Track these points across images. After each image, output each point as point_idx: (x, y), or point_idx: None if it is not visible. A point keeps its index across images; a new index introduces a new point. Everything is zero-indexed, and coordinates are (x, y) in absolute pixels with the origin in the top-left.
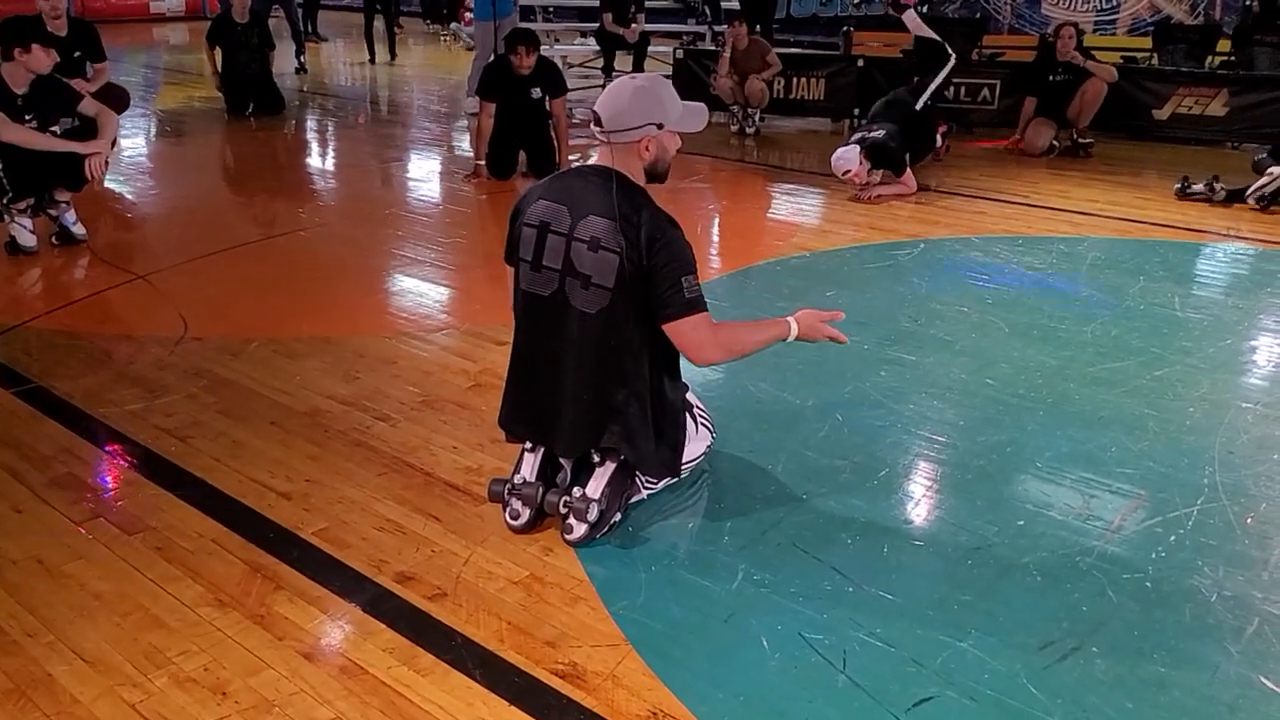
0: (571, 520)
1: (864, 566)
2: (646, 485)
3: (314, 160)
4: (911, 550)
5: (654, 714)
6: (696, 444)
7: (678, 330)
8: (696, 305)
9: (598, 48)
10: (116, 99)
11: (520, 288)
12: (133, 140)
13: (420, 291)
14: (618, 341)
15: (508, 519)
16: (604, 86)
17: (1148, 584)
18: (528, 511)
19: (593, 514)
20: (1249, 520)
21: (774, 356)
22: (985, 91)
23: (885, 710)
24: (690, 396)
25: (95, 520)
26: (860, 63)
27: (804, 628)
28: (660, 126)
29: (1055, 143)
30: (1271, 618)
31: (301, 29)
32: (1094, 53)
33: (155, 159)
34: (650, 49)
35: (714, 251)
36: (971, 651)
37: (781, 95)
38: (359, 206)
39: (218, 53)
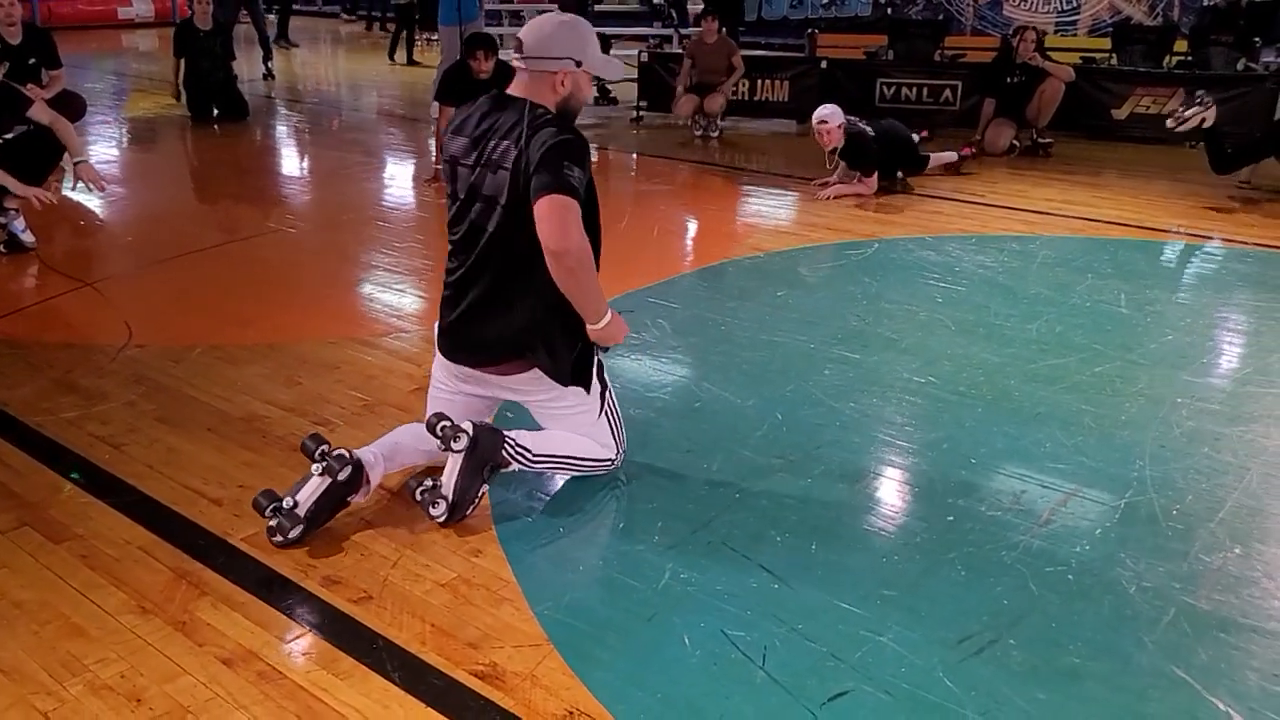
0: (429, 507)
1: (792, 564)
2: (518, 456)
3: (276, 166)
4: (840, 547)
5: (570, 713)
6: (595, 447)
7: (547, 204)
8: (570, 189)
9: None
10: (72, 106)
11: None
12: (93, 148)
13: (371, 296)
14: (520, 253)
15: (274, 538)
16: None
17: (1070, 577)
18: (298, 529)
19: (442, 504)
20: (1174, 511)
21: (718, 357)
22: (947, 92)
23: (801, 705)
24: (610, 397)
25: (21, 529)
26: (824, 64)
27: (726, 625)
28: (579, 64)
29: (1015, 143)
30: (1187, 608)
31: (269, 36)
32: (1053, 54)
33: (114, 166)
34: (614, 52)
35: (667, 254)
36: (891, 646)
37: (746, 97)
38: (318, 212)
39: (182, 62)
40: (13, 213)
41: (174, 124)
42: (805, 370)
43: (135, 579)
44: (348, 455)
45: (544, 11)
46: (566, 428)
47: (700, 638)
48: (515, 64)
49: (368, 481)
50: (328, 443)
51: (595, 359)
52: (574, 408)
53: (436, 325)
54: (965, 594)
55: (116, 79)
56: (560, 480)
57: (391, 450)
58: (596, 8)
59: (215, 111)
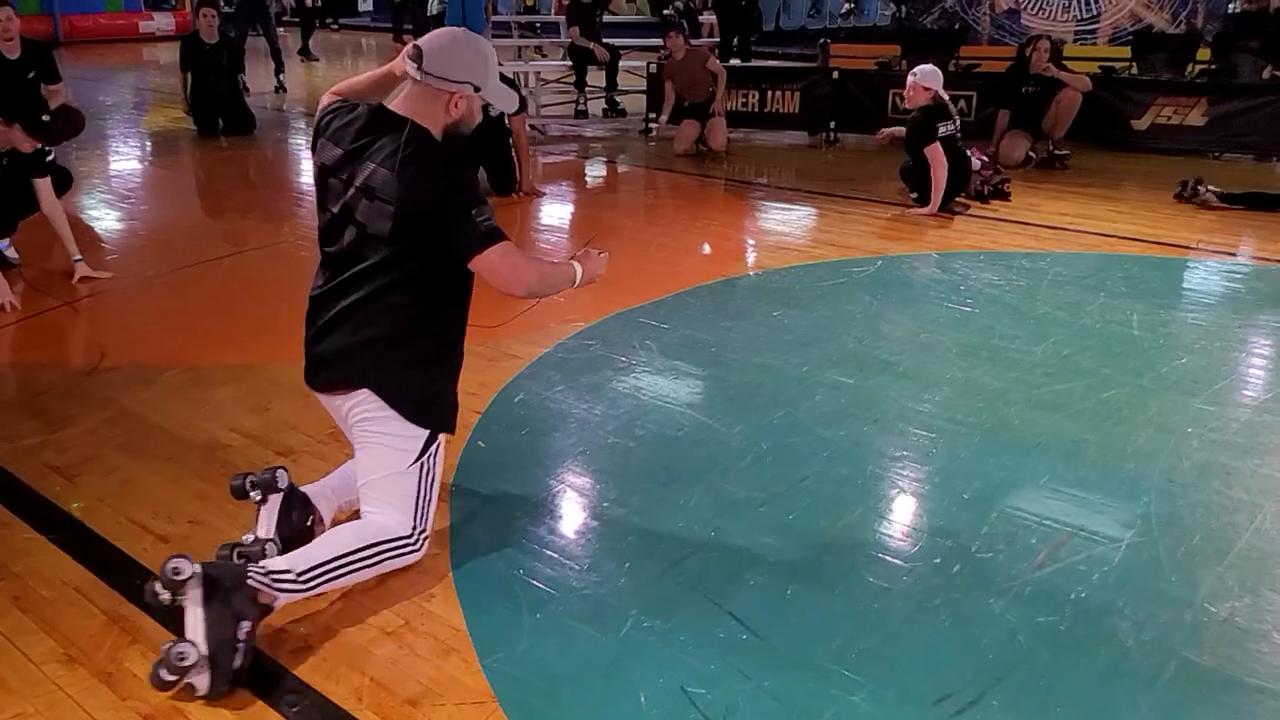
0: (181, 680)
1: (764, 611)
2: (280, 585)
3: (278, 179)
4: (818, 592)
5: None
6: (388, 522)
7: (486, 262)
8: (495, 235)
9: (569, 63)
10: (71, 122)
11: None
12: (101, 162)
13: None
14: (406, 279)
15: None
16: (576, 103)
17: (1062, 627)
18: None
19: (201, 670)
20: (1180, 553)
21: (706, 381)
22: (962, 103)
23: None
24: (434, 465)
25: None
26: (835, 75)
27: (688, 680)
28: (477, 90)
29: (1031, 154)
30: (1188, 664)
31: (280, 49)
32: (1072, 63)
33: (115, 180)
34: (623, 64)
35: (663, 271)
36: (863, 706)
37: (756, 109)
38: (315, 226)
39: (189, 76)
40: None
41: (181, 137)
42: (796, 396)
43: (67, 624)
44: (273, 470)
45: (550, 23)
46: (373, 461)
47: (658, 695)
48: (411, 74)
49: (321, 521)
50: (251, 471)
51: (442, 416)
52: (391, 439)
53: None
54: (947, 645)
55: (134, 93)
56: (524, 518)
57: (342, 483)
58: (606, 18)
59: (221, 124)
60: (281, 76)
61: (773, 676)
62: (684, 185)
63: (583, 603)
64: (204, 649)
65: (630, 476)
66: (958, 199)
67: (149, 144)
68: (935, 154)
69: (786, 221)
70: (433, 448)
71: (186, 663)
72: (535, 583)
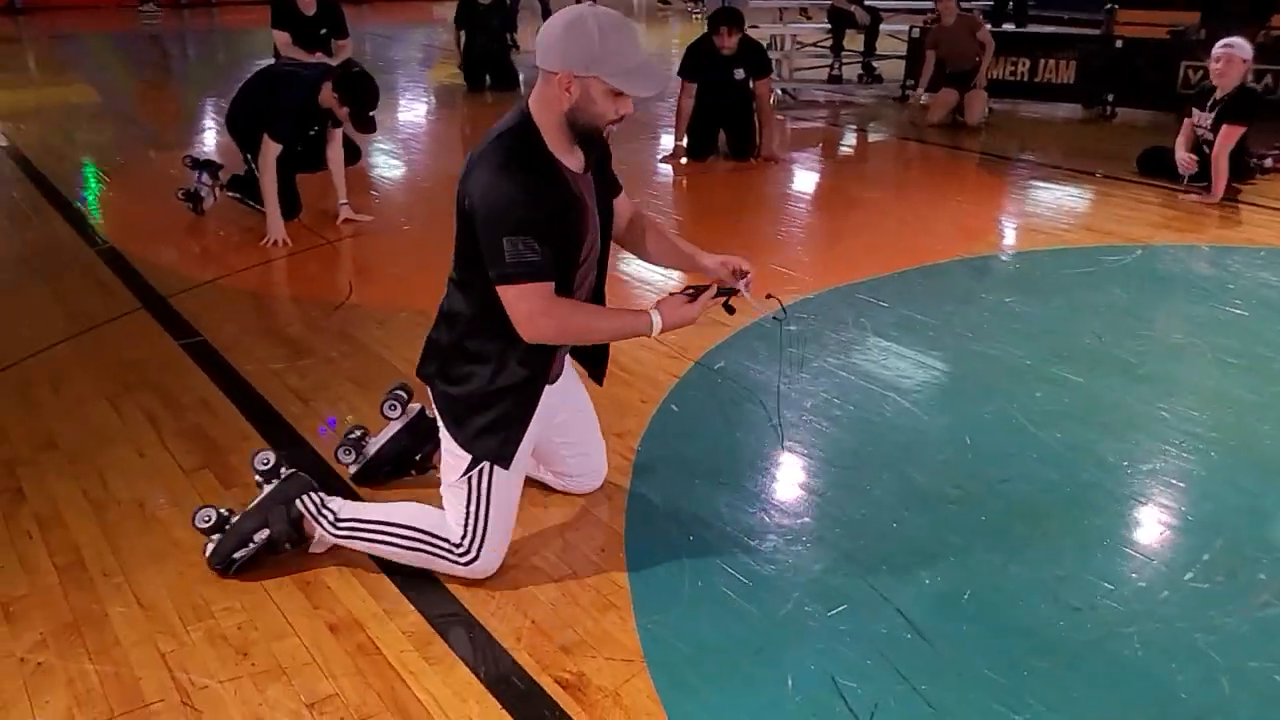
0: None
1: (934, 613)
2: (319, 519)
3: None
4: (996, 602)
5: None
6: (434, 519)
7: (504, 297)
8: (521, 272)
9: (828, 26)
10: None
11: None
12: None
13: None
14: (456, 283)
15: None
16: (831, 67)
17: (1276, 677)
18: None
19: (211, 525)
20: None
21: (917, 365)
22: (1268, 79)
23: None
24: (491, 492)
25: (201, 471)
26: (1119, 44)
27: (840, 671)
28: (583, 76)
29: None
30: None
31: (551, 9)
32: None
33: (391, 131)
34: (884, 27)
35: (894, 247)
36: None
37: (1025, 78)
38: None
39: (463, 34)
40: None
41: (456, 92)
42: (1013, 390)
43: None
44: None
45: None
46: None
47: (807, 681)
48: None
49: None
50: (404, 387)
51: (486, 443)
52: (447, 443)
53: None
54: (1135, 678)
55: (421, 50)
56: (703, 485)
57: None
58: None
59: (488, 81)
60: None
61: (930, 681)
62: (934, 157)
63: (747, 577)
64: (230, 524)
65: (818, 456)
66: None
67: (427, 99)
68: (1231, 137)
69: (1039, 200)
70: (480, 469)
71: (206, 525)
72: (703, 551)
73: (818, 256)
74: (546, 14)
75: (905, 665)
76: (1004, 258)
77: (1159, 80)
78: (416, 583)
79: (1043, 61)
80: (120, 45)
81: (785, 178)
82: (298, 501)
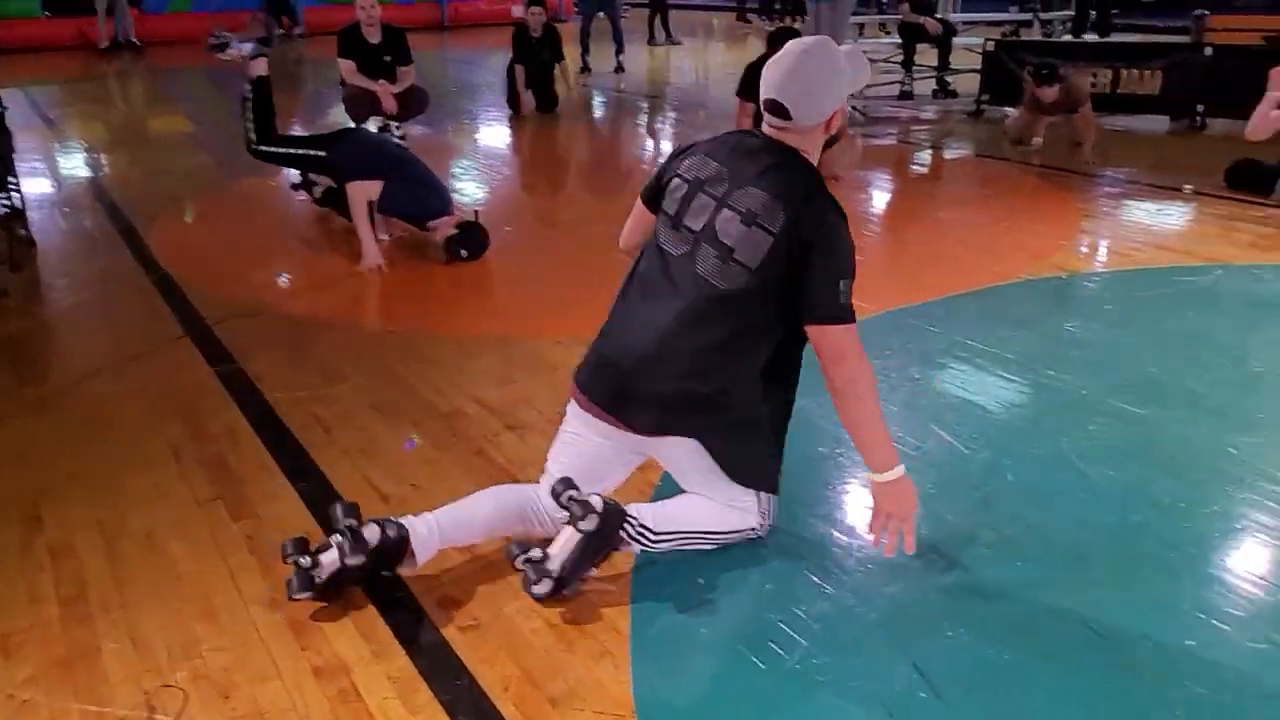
0: (531, 584)
1: (954, 670)
2: (639, 536)
3: (579, 156)
4: (1026, 661)
5: None
6: (731, 517)
7: (824, 333)
8: (848, 314)
9: (899, 40)
10: (418, 100)
11: (653, 241)
12: (444, 140)
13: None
14: (740, 326)
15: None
16: (901, 83)
17: None
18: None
19: (547, 582)
20: None
21: (962, 395)
22: None
23: None
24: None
25: (215, 502)
26: (1208, 51)
27: None
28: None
29: None
30: None
31: (622, 31)
32: None
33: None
34: (957, 40)
35: (951, 268)
36: None
37: (1107, 89)
38: (596, 202)
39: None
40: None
41: (514, 119)
42: (1066, 423)
43: (284, 570)
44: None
45: None
46: (701, 491)
47: None
48: (775, 126)
49: (412, 556)
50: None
51: (779, 466)
52: (724, 491)
53: (587, 359)
54: None
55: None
56: None
57: (454, 525)
58: None
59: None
60: (621, 58)
61: None
62: (1007, 174)
63: (753, 626)
64: (558, 572)
65: (841, 490)
66: None
67: (470, 120)
68: None
69: (1114, 218)
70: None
71: (542, 583)
72: (710, 596)
73: (869, 278)
74: (617, 37)
75: None
76: (1069, 280)
77: (1253, 90)
78: (408, 622)
79: (1125, 72)
80: (217, 78)
81: (846, 196)
82: (622, 532)
